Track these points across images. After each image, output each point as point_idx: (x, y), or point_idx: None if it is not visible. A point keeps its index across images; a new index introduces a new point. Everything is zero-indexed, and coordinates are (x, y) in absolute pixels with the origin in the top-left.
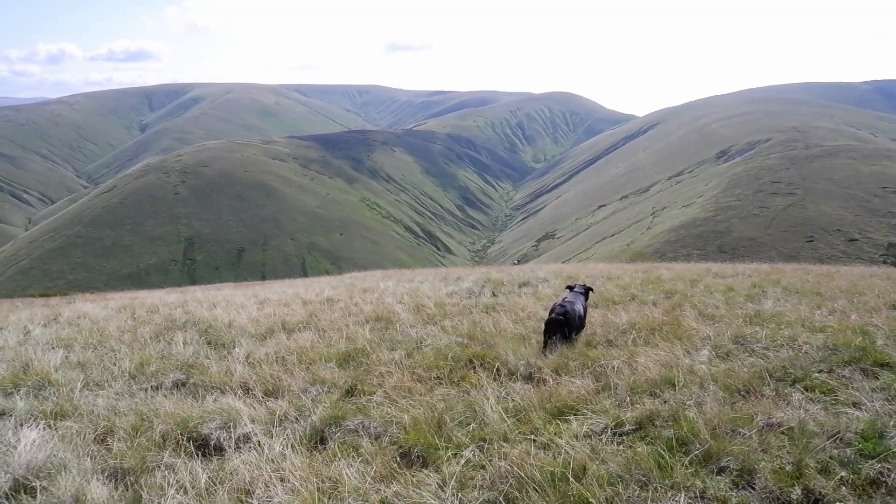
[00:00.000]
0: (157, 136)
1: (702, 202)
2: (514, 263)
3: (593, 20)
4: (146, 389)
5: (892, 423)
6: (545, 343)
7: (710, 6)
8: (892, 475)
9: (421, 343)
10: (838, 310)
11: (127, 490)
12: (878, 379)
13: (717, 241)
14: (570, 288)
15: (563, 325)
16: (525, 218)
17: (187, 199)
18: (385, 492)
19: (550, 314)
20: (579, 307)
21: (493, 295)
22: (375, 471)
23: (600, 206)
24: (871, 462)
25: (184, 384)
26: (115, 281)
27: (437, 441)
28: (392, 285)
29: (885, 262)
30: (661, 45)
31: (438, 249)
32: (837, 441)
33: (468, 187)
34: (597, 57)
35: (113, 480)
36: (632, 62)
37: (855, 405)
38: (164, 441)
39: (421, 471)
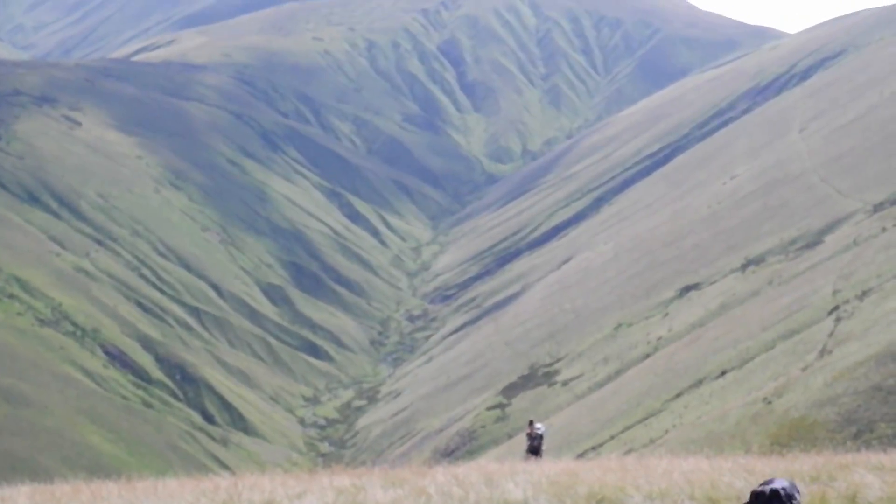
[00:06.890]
0: None
1: None
2: (535, 431)
3: None
4: None
5: None
6: None
7: None
8: None
9: None
10: None
11: None
12: None
13: None
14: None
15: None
16: (468, 324)
17: None
18: None
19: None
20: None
21: None
22: None
23: (687, 289)
24: None
25: None
26: None
27: None
28: None
29: None
30: None
31: (209, 421)
32: None
33: (301, 231)
34: None
35: None
36: None
37: None
38: None
39: None
